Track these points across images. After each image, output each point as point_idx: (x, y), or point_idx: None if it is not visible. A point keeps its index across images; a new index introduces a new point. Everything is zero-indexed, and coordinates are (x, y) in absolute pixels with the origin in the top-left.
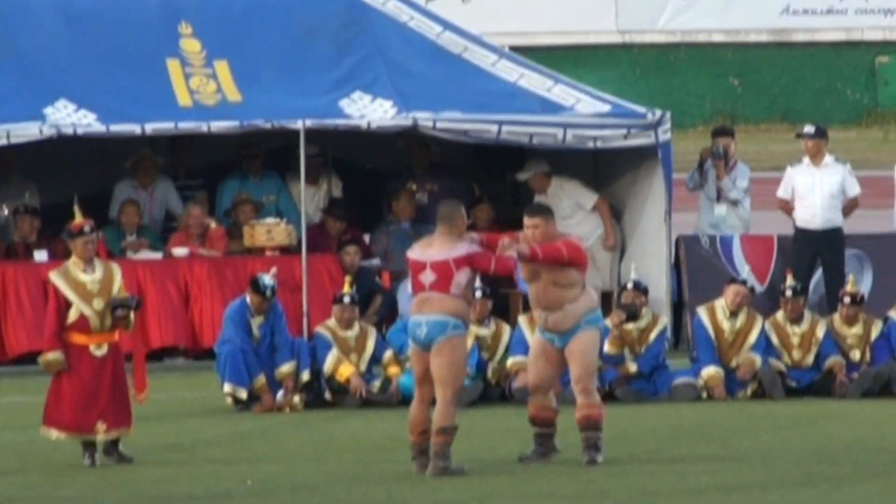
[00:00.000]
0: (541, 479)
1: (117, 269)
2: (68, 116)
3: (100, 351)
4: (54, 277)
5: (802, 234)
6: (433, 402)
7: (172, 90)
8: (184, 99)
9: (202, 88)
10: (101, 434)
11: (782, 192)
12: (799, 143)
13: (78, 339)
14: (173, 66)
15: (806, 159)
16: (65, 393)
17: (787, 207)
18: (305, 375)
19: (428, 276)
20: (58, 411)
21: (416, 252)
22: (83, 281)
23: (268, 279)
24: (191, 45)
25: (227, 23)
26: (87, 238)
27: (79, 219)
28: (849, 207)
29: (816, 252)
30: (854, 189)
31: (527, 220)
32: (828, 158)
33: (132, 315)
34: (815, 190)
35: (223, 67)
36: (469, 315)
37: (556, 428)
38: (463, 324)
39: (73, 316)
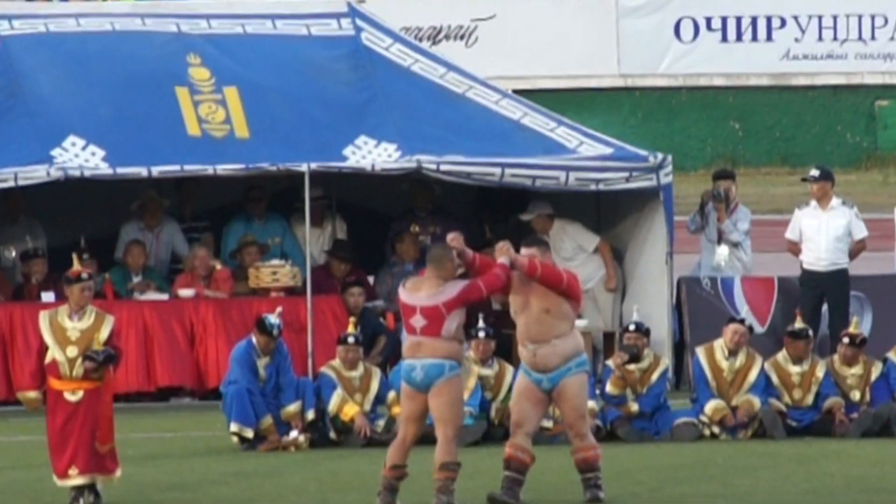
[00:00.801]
0: None
1: (109, 321)
2: (76, 156)
3: (74, 397)
4: (41, 319)
5: (808, 276)
6: (414, 443)
7: (182, 118)
8: (192, 128)
9: (211, 117)
10: (76, 479)
11: (790, 234)
12: (800, 186)
13: (55, 384)
14: (182, 93)
15: (813, 202)
16: (48, 436)
17: (794, 249)
18: (310, 415)
19: (419, 321)
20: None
21: (405, 294)
22: (65, 326)
23: (273, 319)
24: (200, 74)
25: (235, 58)
26: (84, 284)
27: (77, 266)
28: (856, 250)
29: (822, 293)
30: (861, 232)
31: (523, 251)
32: (834, 201)
33: (109, 368)
34: (821, 232)
35: (232, 93)
36: (462, 354)
37: (526, 479)
38: (457, 364)
39: (48, 359)
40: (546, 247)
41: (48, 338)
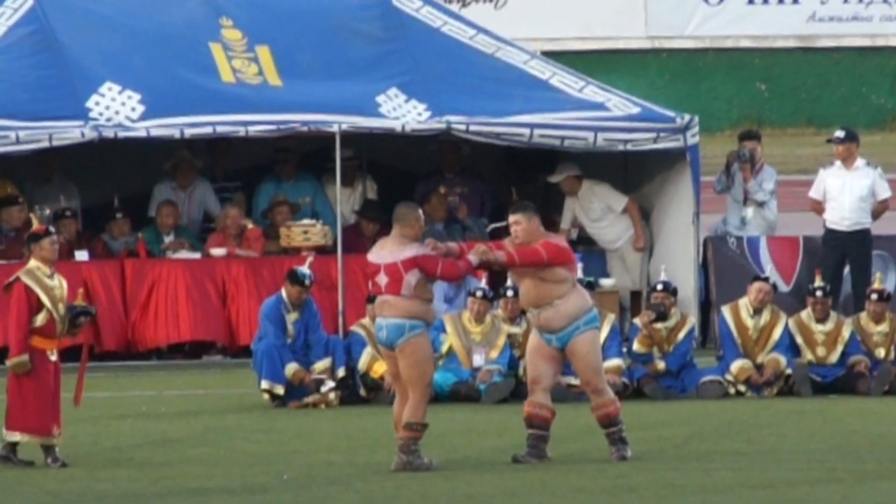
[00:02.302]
0: (570, 474)
1: (63, 279)
2: (113, 101)
3: (53, 356)
4: (28, 280)
5: (831, 235)
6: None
7: (216, 67)
8: (227, 76)
9: (244, 69)
10: (56, 438)
11: (814, 193)
12: (825, 147)
13: (40, 343)
14: (216, 48)
15: (838, 162)
16: (28, 396)
17: (818, 208)
18: (341, 372)
19: (382, 279)
20: (22, 414)
21: (372, 254)
22: (50, 286)
23: (305, 269)
24: (232, 34)
25: (267, 20)
26: (53, 238)
27: (37, 224)
28: (879, 210)
29: (844, 252)
30: (884, 192)
31: (510, 218)
32: (859, 162)
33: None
34: (845, 192)
35: (265, 52)
36: (428, 313)
37: (550, 434)
38: (421, 323)
39: (41, 320)
40: (531, 211)
41: (45, 298)
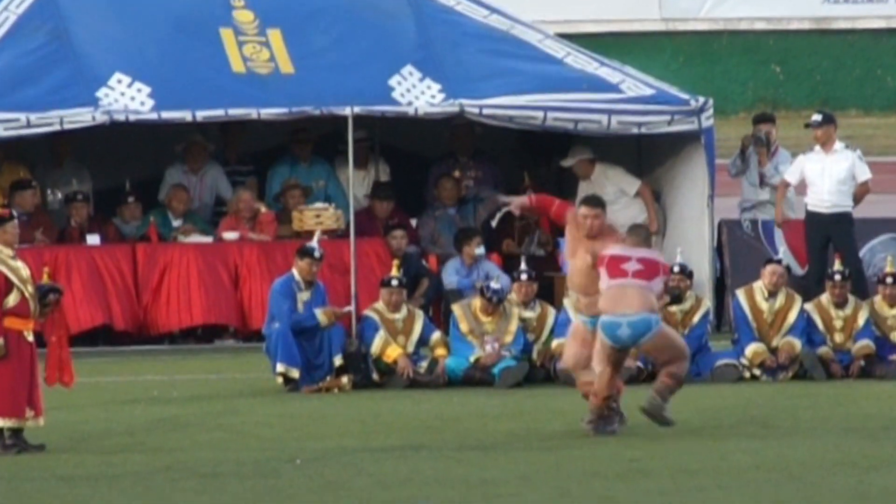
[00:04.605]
0: (584, 459)
1: (26, 263)
2: (122, 94)
3: (30, 337)
4: None
5: (812, 218)
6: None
7: (226, 57)
8: (237, 66)
9: (255, 56)
10: (31, 420)
11: (788, 176)
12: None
13: (16, 323)
14: (227, 34)
15: (817, 146)
16: (5, 378)
17: (783, 190)
18: (338, 360)
19: (633, 265)
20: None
21: (617, 249)
22: (16, 266)
23: (313, 243)
24: (244, 16)
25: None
26: (14, 223)
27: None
28: (860, 193)
29: (827, 235)
30: (864, 174)
31: (585, 210)
32: (837, 145)
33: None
34: (825, 176)
35: (276, 36)
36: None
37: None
38: (660, 318)
39: (13, 300)
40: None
41: (13, 277)
